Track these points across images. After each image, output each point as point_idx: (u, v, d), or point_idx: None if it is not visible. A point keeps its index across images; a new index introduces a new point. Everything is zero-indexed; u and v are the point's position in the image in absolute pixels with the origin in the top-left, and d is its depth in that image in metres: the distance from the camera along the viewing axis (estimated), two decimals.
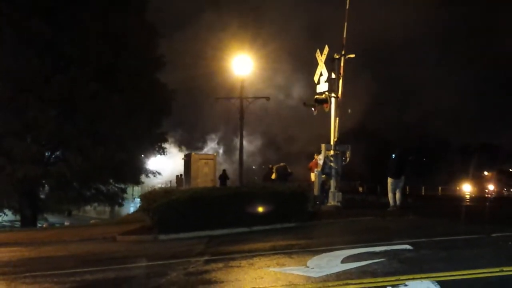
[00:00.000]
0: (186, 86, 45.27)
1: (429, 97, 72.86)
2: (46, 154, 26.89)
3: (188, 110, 55.42)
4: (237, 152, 30.05)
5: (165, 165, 40.76)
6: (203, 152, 51.08)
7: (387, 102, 60.40)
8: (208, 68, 41.14)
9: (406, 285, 5.64)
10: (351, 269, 6.76)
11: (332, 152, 16.80)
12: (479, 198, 34.95)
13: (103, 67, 25.14)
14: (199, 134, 63.25)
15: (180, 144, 57.55)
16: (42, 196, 28.04)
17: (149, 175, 32.65)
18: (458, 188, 50.13)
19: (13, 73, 23.09)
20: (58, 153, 27.01)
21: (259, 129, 55.43)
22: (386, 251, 7.97)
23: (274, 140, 58.14)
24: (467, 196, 40.16)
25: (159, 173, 33.59)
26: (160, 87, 29.22)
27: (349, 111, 17.73)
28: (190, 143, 60.08)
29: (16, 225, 30.08)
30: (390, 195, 16.07)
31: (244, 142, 28.24)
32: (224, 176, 30.12)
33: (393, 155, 16.26)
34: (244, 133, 27.69)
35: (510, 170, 57.40)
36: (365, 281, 6.05)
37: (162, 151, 32.65)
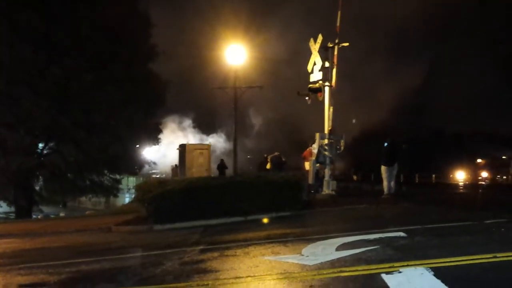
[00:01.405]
0: (184, 75, 45.14)
1: (426, 85, 73.12)
2: (40, 145, 26.80)
3: (197, 96, 55.11)
4: (249, 137, 30.19)
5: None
6: (209, 138, 51.07)
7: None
8: (207, 58, 40.95)
9: (400, 272, 5.67)
10: (345, 256, 6.80)
11: (326, 141, 16.82)
12: (473, 185, 35.13)
13: (97, 58, 24.98)
14: (210, 120, 62.69)
15: (193, 129, 57.14)
16: (37, 188, 28.00)
17: (148, 164, 32.78)
18: (451, 175, 50.31)
19: (6, 65, 22.89)
20: (52, 144, 26.91)
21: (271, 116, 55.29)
22: (380, 238, 8.02)
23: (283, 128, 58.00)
24: (461, 184, 40.38)
25: (154, 163, 33.63)
26: (154, 78, 29.10)
27: (354, 121, 17.87)
28: (202, 128, 59.63)
29: (11, 217, 30.04)
30: (384, 183, 16.16)
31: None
32: (222, 166, 30.13)
33: (385, 143, 16.38)
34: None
35: (504, 157, 57.59)
36: (359, 268, 6.08)
37: (156, 141, 32.66)
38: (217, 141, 51.81)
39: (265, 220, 12.86)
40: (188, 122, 55.31)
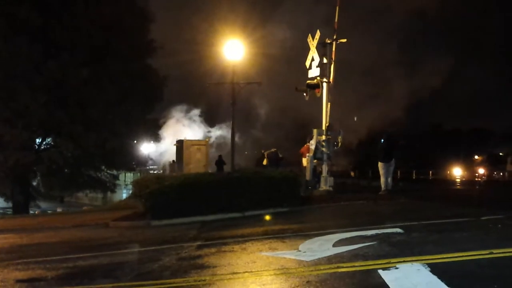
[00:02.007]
0: (189, 68, 44.88)
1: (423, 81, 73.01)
2: (38, 140, 26.77)
3: (204, 88, 54.52)
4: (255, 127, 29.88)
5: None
6: (217, 130, 50.69)
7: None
8: (204, 53, 40.69)
9: (396, 268, 5.68)
10: (342, 252, 6.81)
11: (324, 137, 16.83)
12: (470, 182, 35.20)
13: (94, 53, 24.92)
14: (219, 111, 61.95)
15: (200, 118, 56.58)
16: (34, 183, 27.97)
17: (146, 160, 32.77)
18: (448, 172, 50.41)
19: (3, 60, 22.81)
20: (49, 139, 26.88)
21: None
22: (377, 234, 8.04)
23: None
24: (458, 180, 40.47)
25: (151, 159, 33.59)
26: (152, 73, 29.02)
27: (355, 119, 17.83)
28: (210, 119, 59.01)
29: (8, 212, 30.02)
30: (381, 179, 16.18)
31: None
32: (220, 162, 30.06)
33: (382, 140, 16.41)
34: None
35: (501, 154, 57.68)
36: (356, 264, 6.10)
37: (155, 137, 32.60)
38: (227, 132, 51.17)
39: (263, 216, 12.86)
40: (196, 111, 54.68)
